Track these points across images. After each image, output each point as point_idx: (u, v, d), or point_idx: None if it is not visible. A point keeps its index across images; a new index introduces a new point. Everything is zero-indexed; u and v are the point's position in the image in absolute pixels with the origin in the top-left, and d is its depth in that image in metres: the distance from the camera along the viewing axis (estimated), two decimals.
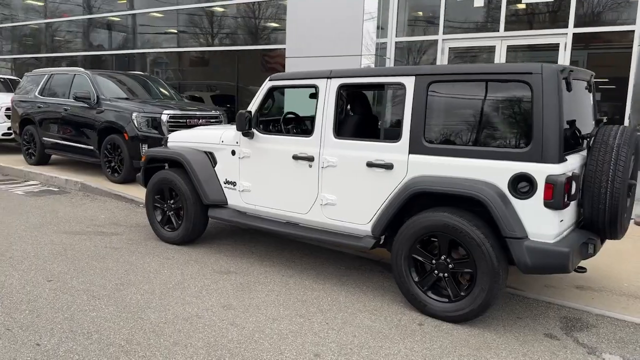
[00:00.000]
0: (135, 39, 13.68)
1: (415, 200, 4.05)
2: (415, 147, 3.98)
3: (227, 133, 5.17)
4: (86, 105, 8.93)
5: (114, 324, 3.65)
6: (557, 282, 4.75)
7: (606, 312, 4.14)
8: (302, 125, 5.56)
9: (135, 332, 3.54)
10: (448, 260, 3.84)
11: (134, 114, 8.28)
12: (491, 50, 8.32)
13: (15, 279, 4.44)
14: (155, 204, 5.68)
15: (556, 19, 7.87)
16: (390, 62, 9.14)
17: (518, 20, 8.15)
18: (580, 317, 4.07)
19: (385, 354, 3.37)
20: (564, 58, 7.73)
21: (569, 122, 3.85)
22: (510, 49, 8.18)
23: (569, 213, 3.72)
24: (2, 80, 13.33)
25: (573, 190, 3.65)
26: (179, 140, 5.67)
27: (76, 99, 8.98)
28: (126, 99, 9.04)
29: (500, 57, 8.21)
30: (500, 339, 3.65)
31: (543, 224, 3.52)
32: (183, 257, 5.18)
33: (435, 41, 8.76)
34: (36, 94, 10.10)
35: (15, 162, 10.55)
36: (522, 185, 3.56)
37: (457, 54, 8.75)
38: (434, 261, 3.90)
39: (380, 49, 9.04)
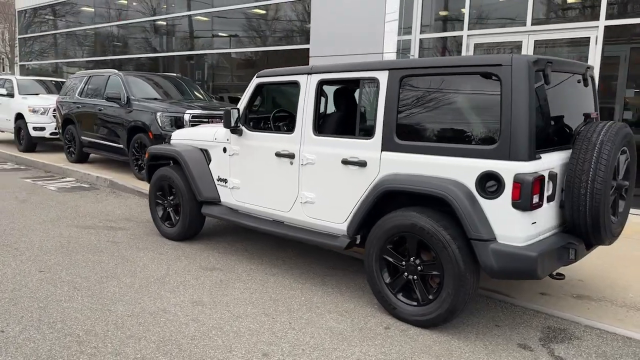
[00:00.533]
0: (192, 41, 14.01)
1: (392, 199, 3.91)
2: (388, 144, 3.84)
3: (220, 130, 5.20)
4: (117, 105, 9.28)
5: (81, 315, 3.74)
6: (554, 290, 4.44)
7: (597, 323, 3.83)
8: (292, 123, 5.51)
9: (97, 324, 3.61)
10: (417, 262, 3.68)
11: (158, 114, 8.51)
12: (518, 45, 7.94)
13: (11, 269, 4.65)
14: (157, 200, 5.80)
15: (586, 11, 7.39)
16: None
17: (546, 14, 7.73)
18: (567, 327, 3.79)
19: (337, 356, 3.26)
20: (595, 53, 7.25)
21: (553, 117, 3.60)
22: (538, 44, 7.77)
23: (546, 215, 3.47)
24: (54, 82, 14.09)
25: (548, 190, 3.41)
26: (181, 137, 5.76)
27: (107, 99, 9.36)
28: (154, 99, 9.31)
29: (527, 52, 7.81)
30: (467, 347, 3.45)
31: (511, 225, 3.30)
32: (176, 252, 5.25)
33: (460, 37, 8.46)
34: (76, 95, 10.59)
35: (58, 160, 11.11)
36: (490, 184, 3.36)
37: (483, 50, 8.41)
38: (403, 263, 3.75)
39: (404, 47, 8.84)
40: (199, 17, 13.48)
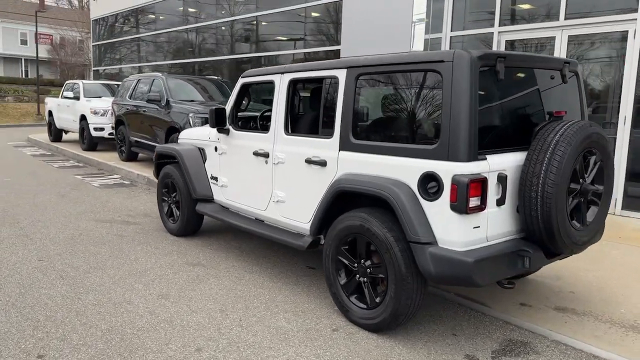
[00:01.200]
0: (259, 44, 14.37)
1: (354, 200, 3.85)
2: (345, 144, 3.77)
3: (214, 130, 5.32)
4: (157, 106, 9.73)
5: (51, 302, 3.98)
6: (538, 301, 4.16)
7: (567, 338, 3.54)
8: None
9: (60, 311, 3.83)
10: (367, 264, 3.59)
11: (190, 115, 8.83)
12: (551, 41, 7.47)
13: (15, 257, 5.03)
14: (163, 197, 6.04)
15: (624, 2, 6.82)
16: None
17: (580, 7, 7.21)
18: (531, 341, 3.54)
19: (267, 355, 3.25)
20: (633, 48, 6.67)
21: (512, 116, 3.39)
22: (572, 39, 7.27)
23: (497, 219, 3.26)
24: (117, 86, 14.98)
25: (497, 194, 3.21)
26: (186, 137, 5.96)
27: (148, 101, 9.84)
28: (191, 101, 9.67)
29: (560, 49, 7.33)
30: (409, 353, 3.32)
31: (450, 229, 3.14)
32: (171, 247, 5.44)
33: (491, 34, 8.10)
34: (127, 97, 11.23)
35: (112, 158, 11.81)
36: (430, 185, 3.21)
37: (515, 47, 8.00)
38: (356, 265, 3.67)
39: (433, 46, 8.60)
40: (263, 21, 13.73)
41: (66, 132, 15.50)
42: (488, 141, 3.23)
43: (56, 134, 15.62)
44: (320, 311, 3.94)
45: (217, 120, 4.90)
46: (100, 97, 14.03)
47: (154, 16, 17.83)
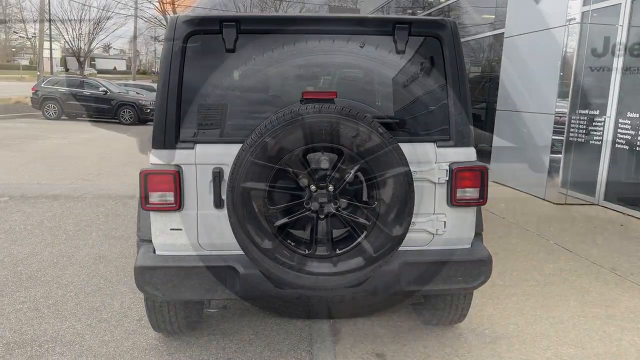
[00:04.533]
0: None
1: None
2: None
3: None
4: None
5: (18, 252, 4.72)
6: (406, 356, 3.00)
7: None
8: None
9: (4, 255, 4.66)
10: None
11: None
12: None
13: (79, 211, 6.13)
14: None
15: None
16: (622, 30, 6.30)
17: None
18: None
19: (42, 324, 3.35)
20: None
21: (253, 97, 2.65)
22: None
23: (220, 225, 2.58)
24: None
25: (209, 192, 2.55)
26: None
27: None
28: None
29: None
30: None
31: (151, 228, 2.68)
32: None
33: None
34: None
35: None
36: None
37: None
38: None
39: (595, 16, 6.44)
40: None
41: None
42: (208, 128, 2.59)
43: None
44: None
45: None
46: None
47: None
